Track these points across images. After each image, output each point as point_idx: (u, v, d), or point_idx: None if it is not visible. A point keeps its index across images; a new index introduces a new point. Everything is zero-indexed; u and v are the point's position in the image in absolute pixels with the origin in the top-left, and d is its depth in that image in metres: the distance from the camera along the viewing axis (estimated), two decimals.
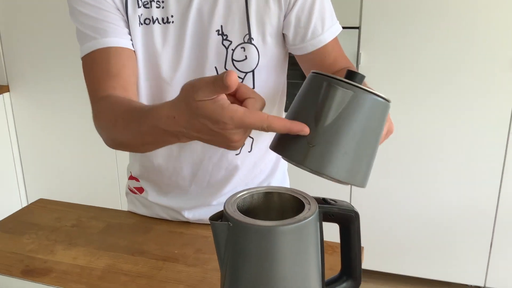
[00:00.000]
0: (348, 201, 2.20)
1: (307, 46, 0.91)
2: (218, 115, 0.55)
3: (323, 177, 0.60)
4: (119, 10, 0.86)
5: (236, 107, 0.56)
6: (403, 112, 2.03)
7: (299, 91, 0.62)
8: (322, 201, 0.65)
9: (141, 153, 1.00)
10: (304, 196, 0.65)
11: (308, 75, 0.62)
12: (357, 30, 1.98)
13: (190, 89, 0.56)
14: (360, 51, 2.00)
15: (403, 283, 2.30)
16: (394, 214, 2.19)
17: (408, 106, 2.03)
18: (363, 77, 0.59)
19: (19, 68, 2.52)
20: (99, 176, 2.55)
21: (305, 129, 0.57)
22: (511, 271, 2.11)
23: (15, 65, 2.52)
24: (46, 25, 2.40)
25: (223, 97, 0.56)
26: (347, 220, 0.66)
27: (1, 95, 2.53)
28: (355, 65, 2.02)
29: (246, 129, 0.59)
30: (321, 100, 0.57)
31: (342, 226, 0.67)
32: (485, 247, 2.10)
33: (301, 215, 0.61)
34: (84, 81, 2.65)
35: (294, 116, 0.60)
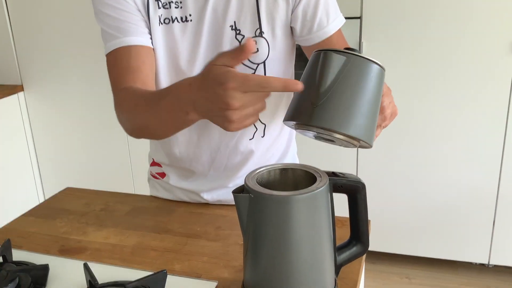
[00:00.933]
0: None
1: (314, 38, 0.99)
2: (223, 76, 0.61)
3: (331, 136, 0.67)
4: (140, 11, 0.94)
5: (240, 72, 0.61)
6: (407, 99, 2.11)
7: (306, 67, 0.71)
8: (332, 174, 0.73)
9: (159, 139, 1.08)
10: (315, 171, 0.73)
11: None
12: (358, 20, 2.05)
13: (212, 58, 0.64)
14: (362, 41, 2.07)
15: (409, 263, 2.38)
16: (398, 196, 2.26)
17: (411, 92, 2.10)
18: (356, 51, 0.68)
19: (32, 67, 2.60)
20: (113, 169, 2.64)
21: (298, 85, 0.61)
22: None
23: (28, 65, 2.61)
24: (57, 25, 2.48)
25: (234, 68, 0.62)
26: (355, 190, 0.74)
27: (16, 94, 2.62)
28: None
29: (247, 102, 0.61)
30: (320, 67, 0.66)
31: (350, 196, 0.75)
32: (488, 226, 2.17)
33: (313, 186, 0.69)
34: (95, 78, 2.78)
35: None
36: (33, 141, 2.75)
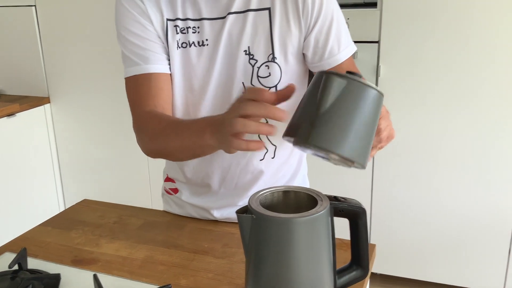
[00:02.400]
0: (369, 207, 2.28)
1: (324, 65, 1.02)
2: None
3: (328, 155, 0.69)
4: (160, 38, 0.99)
5: None
6: (422, 122, 2.11)
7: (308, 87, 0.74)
8: (333, 199, 0.75)
9: (175, 161, 1.13)
10: (317, 194, 0.76)
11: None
12: (376, 44, 2.08)
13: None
14: (380, 64, 2.09)
15: None
16: (412, 219, 2.25)
17: (426, 116, 2.10)
18: (360, 76, 0.70)
19: (60, 81, 2.70)
20: (132, 181, 2.69)
21: (282, 115, 0.69)
22: None
23: (55, 78, 2.70)
24: (86, 40, 2.57)
25: None
26: (355, 215, 0.76)
27: (43, 106, 2.72)
28: (375, 77, 2.11)
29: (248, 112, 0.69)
30: (322, 88, 0.69)
31: (351, 221, 0.77)
32: (504, 252, 2.14)
33: (314, 210, 0.71)
34: (120, 94, 2.83)
35: (302, 103, 0.72)
36: (57, 152, 2.84)
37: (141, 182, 2.67)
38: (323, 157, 0.75)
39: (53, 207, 2.86)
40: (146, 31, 0.98)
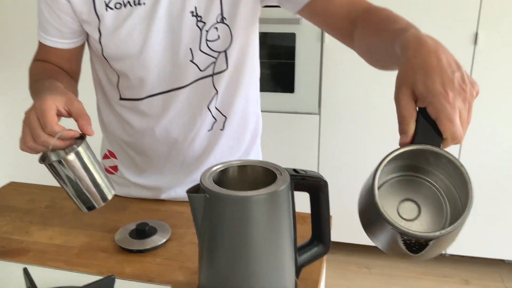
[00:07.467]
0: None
1: None
2: None
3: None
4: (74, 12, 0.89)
5: None
6: (368, 86, 2.10)
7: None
8: (293, 172, 0.69)
9: None
10: (276, 168, 0.69)
11: None
12: None
13: None
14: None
15: (368, 254, 2.39)
16: (357, 185, 2.26)
17: (373, 79, 2.09)
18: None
19: None
20: None
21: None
22: None
23: None
24: (16, 25, 2.34)
25: None
26: (317, 189, 0.70)
27: None
28: (320, 43, 2.06)
29: None
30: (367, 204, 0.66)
31: (312, 195, 0.71)
32: None
33: (274, 185, 0.64)
34: None
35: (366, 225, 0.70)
36: None
37: None
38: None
39: None
40: (57, 3, 0.89)
